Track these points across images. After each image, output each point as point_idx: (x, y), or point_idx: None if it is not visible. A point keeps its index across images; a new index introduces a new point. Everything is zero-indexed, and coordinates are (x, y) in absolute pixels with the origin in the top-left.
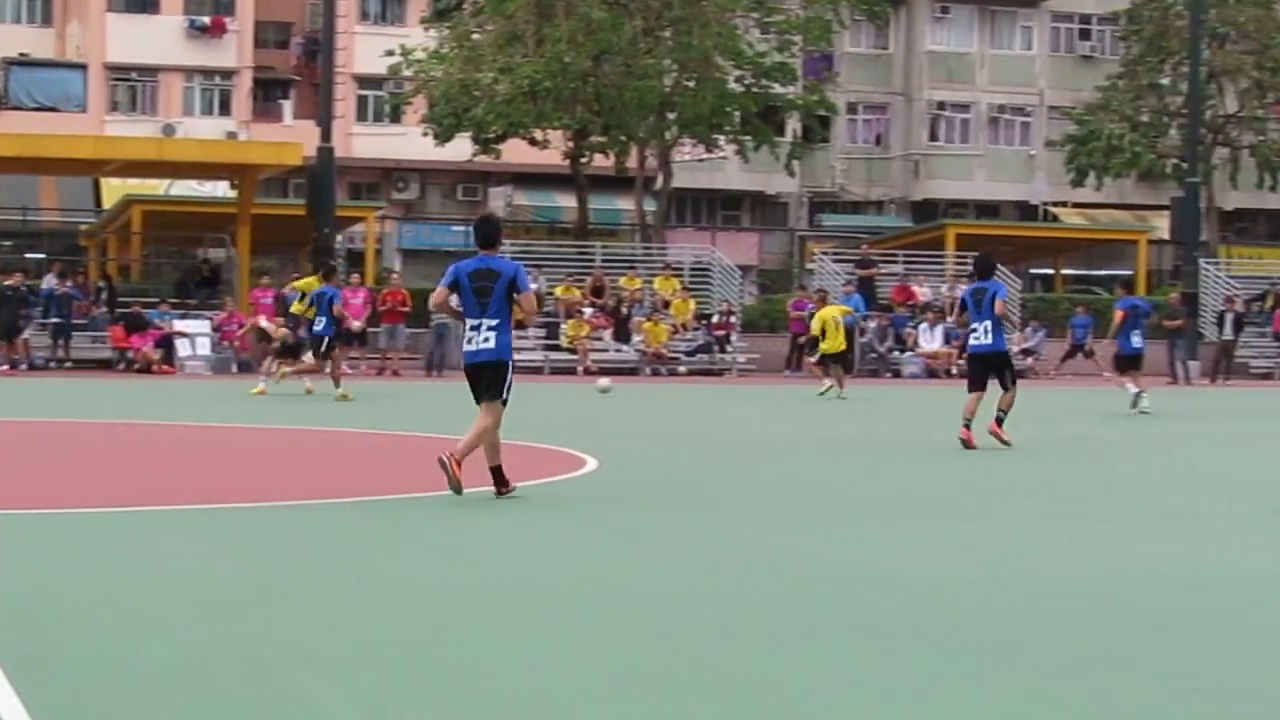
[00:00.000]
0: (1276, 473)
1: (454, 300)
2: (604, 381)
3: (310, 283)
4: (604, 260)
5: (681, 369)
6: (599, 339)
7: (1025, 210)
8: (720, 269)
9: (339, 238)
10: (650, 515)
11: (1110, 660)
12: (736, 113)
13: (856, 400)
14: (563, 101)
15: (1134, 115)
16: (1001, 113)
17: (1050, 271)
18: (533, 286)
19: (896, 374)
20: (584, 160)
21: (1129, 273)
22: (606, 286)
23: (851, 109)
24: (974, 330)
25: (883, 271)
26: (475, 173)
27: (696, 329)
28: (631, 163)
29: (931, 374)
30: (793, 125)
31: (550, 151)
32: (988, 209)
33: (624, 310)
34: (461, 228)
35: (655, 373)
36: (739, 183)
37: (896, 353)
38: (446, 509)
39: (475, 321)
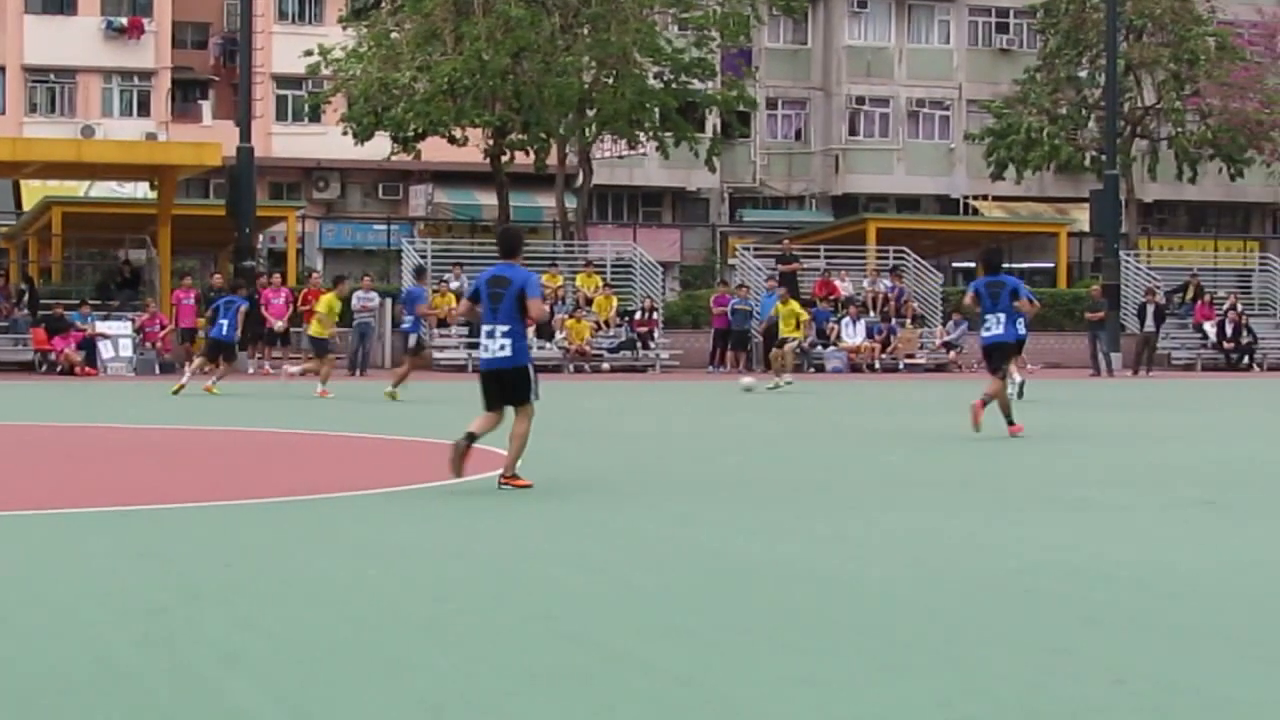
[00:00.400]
0: (1199, 464)
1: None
2: (747, 380)
3: (330, 300)
4: (525, 258)
5: (604, 366)
6: None
7: (945, 204)
8: (642, 265)
9: (260, 238)
10: (571, 512)
11: (1036, 652)
12: (656, 109)
13: (780, 395)
14: (482, 99)
15: (1052, 108)
16: (920, 107)
17: (971, 265)
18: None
19: (819, 369)
20: (504, 158)
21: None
22: None
23: (771, 104)
24: (986, 321)
25: (804, 266)
26: (396, 171)
27: (619, 326)
28: (552, 160)
29: (854, 368)
30: (712, 121)
31: (470, 149)
32: (908, 203)
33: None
34: (382, 226)
35: (578, 370)
36: (659, 179)
37: (819, 348)
38: (368, 508)
39: (489, 326)
